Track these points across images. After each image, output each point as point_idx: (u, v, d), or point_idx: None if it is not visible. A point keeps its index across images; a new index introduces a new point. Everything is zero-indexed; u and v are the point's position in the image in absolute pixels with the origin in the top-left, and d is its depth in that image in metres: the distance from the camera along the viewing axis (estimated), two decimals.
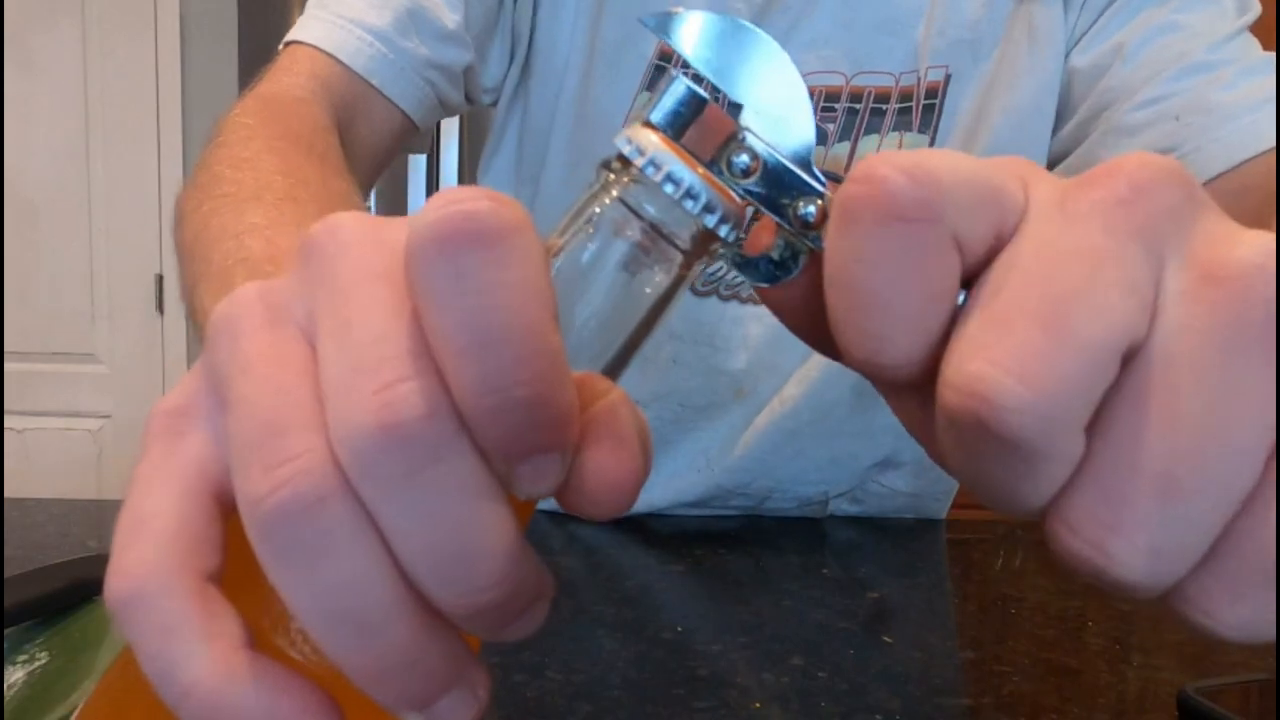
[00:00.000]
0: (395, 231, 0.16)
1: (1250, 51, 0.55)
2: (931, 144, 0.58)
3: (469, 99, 0.61)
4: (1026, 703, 0.41)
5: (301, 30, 0.56)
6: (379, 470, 0.14)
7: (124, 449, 2.87)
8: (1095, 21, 0.57)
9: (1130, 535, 0.14)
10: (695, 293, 0.62)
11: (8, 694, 0.34)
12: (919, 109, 0.58)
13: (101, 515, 0.70)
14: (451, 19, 0.55)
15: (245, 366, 0.15)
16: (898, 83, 0.58)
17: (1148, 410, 0.14)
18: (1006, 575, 0.60)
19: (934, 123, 0.58)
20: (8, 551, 0.58)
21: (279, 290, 0.17)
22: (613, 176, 0.18)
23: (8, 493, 0.68)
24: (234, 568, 0.16)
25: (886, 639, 0.48)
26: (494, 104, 0.65)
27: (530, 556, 0.16)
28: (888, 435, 0.66)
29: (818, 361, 0.63)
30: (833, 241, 0.16)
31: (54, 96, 2.79)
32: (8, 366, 2.82)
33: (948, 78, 0.57)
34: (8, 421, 2.81)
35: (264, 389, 0.15)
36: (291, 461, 0.14)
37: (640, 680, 0.43)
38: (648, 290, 0.18)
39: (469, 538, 0.14)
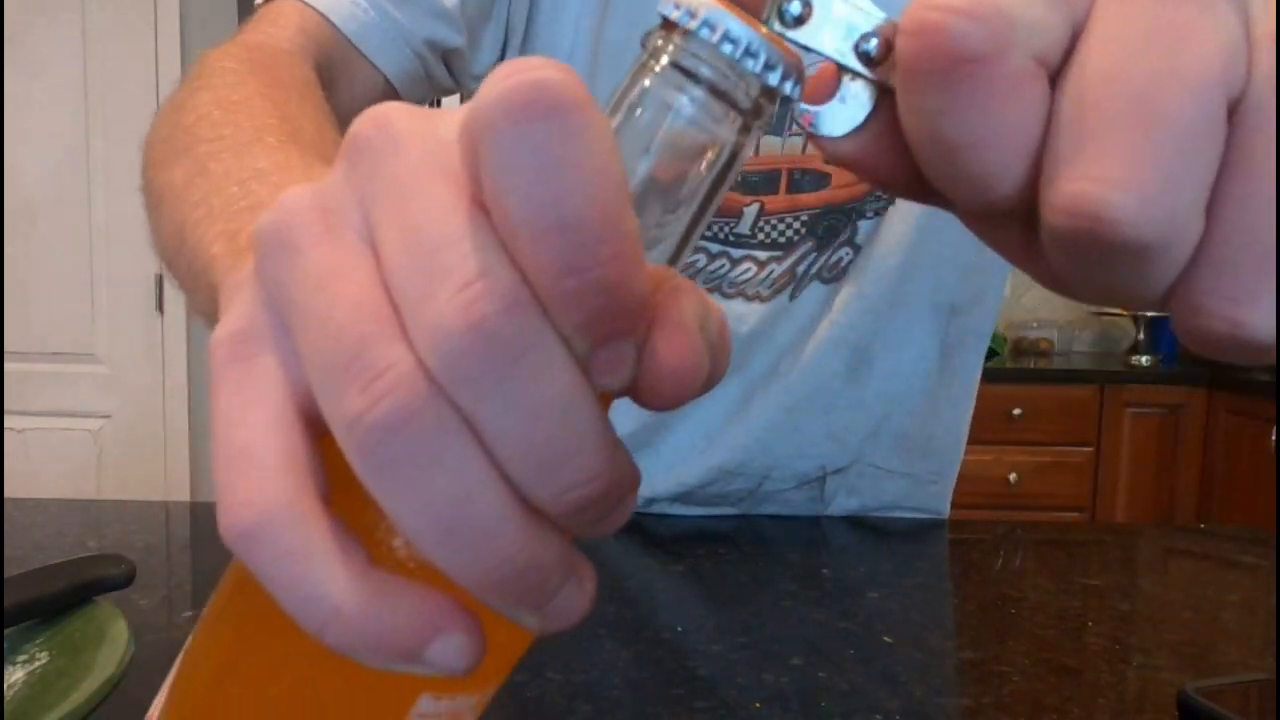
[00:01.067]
0: (448, 124, 0.15)
1: None
2: None
3: (458, 83, 0.60)
4: (1026, 703, 0.41)
5: None
6: (471, 371, 0.14)
7: (124, 449, 2.87)
8: None
9: (1259, 303, 0.14)
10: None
11: (8, 694, 0.34)
12: None
13: (101, 515, 0.70)
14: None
15: (312, 282, 0.15)
16: None
17: (1254, 171, 0.14)
18: (1006, 575, 0.60)
19: None
20: (8, 551, 0.58)
21: (331, 194, 0.16)
22: (662, 43, 0.16)
23: (8, 493, 0.68)
24: (333, 491, 0.15)
25: (886, 639, 0.48)
26: None
27: (621, 447, 0.15)
28: (878, 403, 0.66)
29: (813, 336, 0.63)
30: (905, 100, 0.16)
31: (54, 96, 2.79)
32: (8, 366, 2.82)
33: None
34: (8, 421, 2.81)
35: (337, 304, 0.14)
36: (383, 376, 0.14)
37: (640, 680, 0.43)
38: (709, 159, 0.17)
39: (568, 431, 0.14)
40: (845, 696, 0.41)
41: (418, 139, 0.15)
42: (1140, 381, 2.49)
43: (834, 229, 0.60)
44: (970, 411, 0.72)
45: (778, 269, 0.61)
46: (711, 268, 0.61)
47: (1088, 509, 2.50)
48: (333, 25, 0.52)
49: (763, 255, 0.61)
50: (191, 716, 0.18)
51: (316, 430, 0.15)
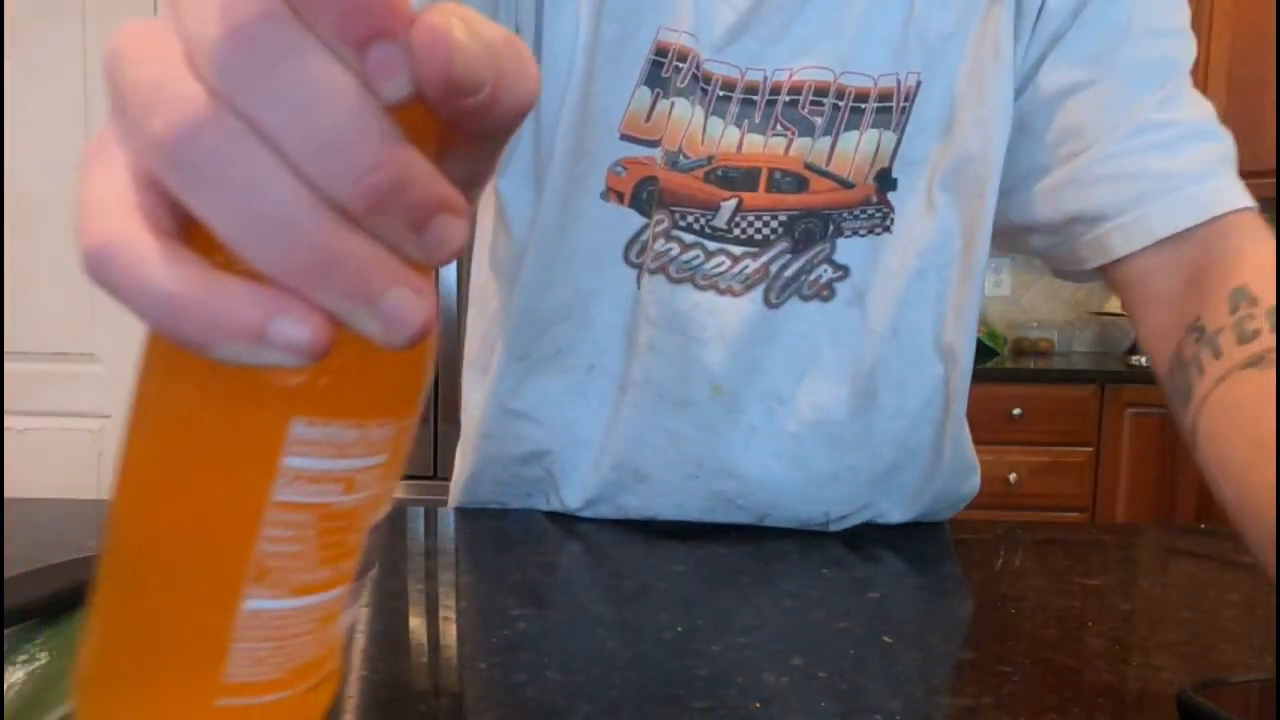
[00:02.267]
0: None
1: (1189, 107, 0.57)
2: (898, 143, 0.60)
3: None
4: (1026, 703, 0.41)
5: None
6: (240, 77, 0.15)
7: None
8: (1049, 51, 0.59)
9: None
10: (670, 279, 0.62)
11: (8, 694, 0.34)
12: (896, 110, 0.60)
13: (101, 515, 0.69)
14: None
15: (128, 64, 0.17)
16: (876, 84, 0.59)
17: None
18: (1006, 575, 0.60)
19: (903, 124, 0.60)
20: (8, 551, 0.58)
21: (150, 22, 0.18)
22: None
23: (8, 493, 0.68)
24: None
25: (886, 639, 0.48)
26: None
27: (422, 160, 0.17)
28: (888, 446, 0.65)
29: (812, 362, 0.63)
30: None
31: (54, 96, 2.79)
32: (8, 366, 2.82)
33: (918, 83, 0.59)
34: (8, 421, 2.81)
35: (144, 68, 0.17)
36: (176, 102, 0.16)
37: (640, 680, 0.43)
38: None
39: (340, 122, 0.16)
40: (845, 696, 0.41)
41: None
42: (1140, 381, 2.49)
43: (810, 234, 0.60)
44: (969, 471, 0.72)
45: (752, 265, 0.61)
46: (685, 257, 0.61)
47: (1088, 509, 2.50)
48: None
49: (737, 250, 0.61)
50: (119, 467, 0.20)
51: (157, 191, 0.17)
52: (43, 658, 0.36)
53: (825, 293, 0.62)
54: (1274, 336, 0.46)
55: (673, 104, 0.59)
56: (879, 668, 0.45)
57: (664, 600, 0.53)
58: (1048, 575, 0.60)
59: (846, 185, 0.60)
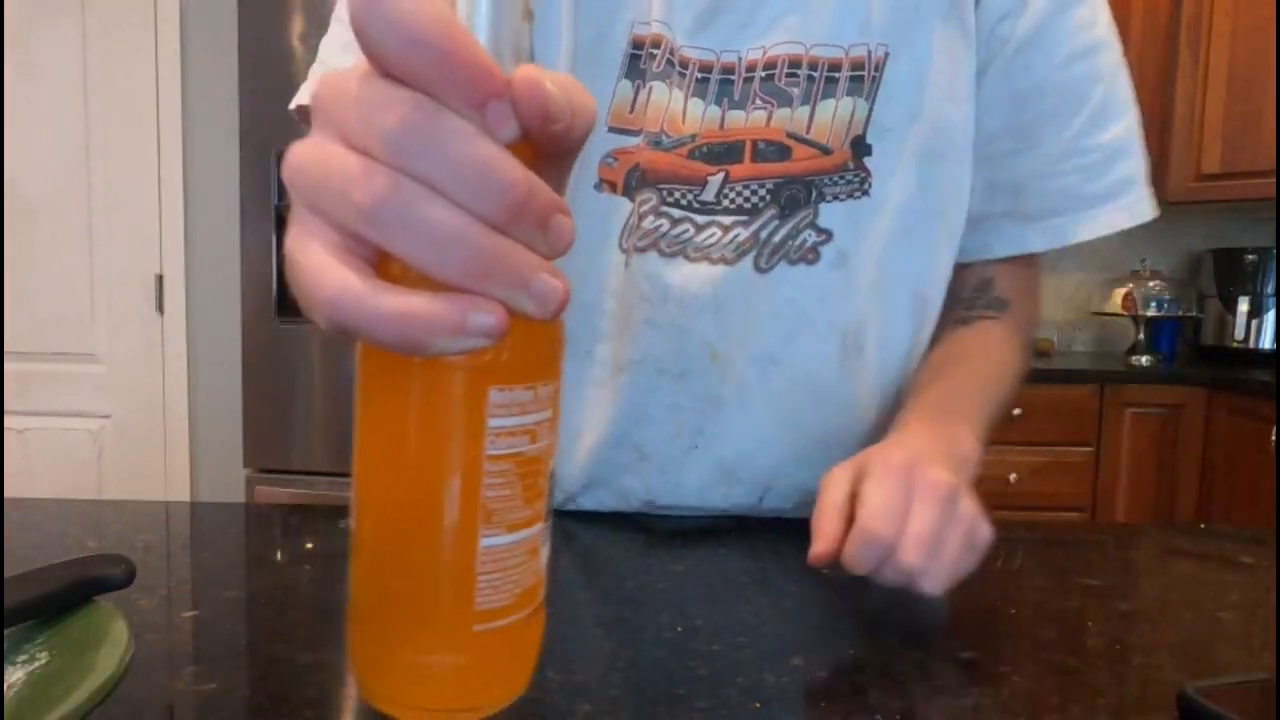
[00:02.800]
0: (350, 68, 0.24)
1: (1116, 123, 0.66)
2: (870, 111, 0.63)
3: None
4: (1026, 703, 0.41)
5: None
6: (405, 148, 0.22)
7: (124, 449, 2.87)
8: (1000, 54, 0.65)
9: None
10: (662, 254, 0.64)
11: (8, 694, 0.34)
12: (868, 79, 0.63)
13: (101, 515, 0.70)
14: None
15: (311, 167, 0.23)
16: (847, 54, 0.62)
17: None
18: (1006, 575, 0.60)
19: (874, 92, 0.63)
20: (8, 551, 0.58)
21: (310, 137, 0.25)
22: None
23: (8, 493, 0.68)
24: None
25: (887, 639, 0.48)
26: None
27: (536, 178, 0.23)
28: (874, 406, 0.68)
29: (801, 323, 0.65)
30: None
31: (54, 96, 2.79)
32: (8, 366, 2.82)
33: (886, 54, 0.62)
34: (8, 421, 2.81)
35: (328, 165, 0.23)
36: (368, 179, 0.22)
37: (640, 680, 0.43)
38: None
39: (478, 161, 0.22)
40: (845, 696, 0.41)
41: (337, 74, 0.24)
42: (1140, 381, 2.49)
43: (795, 200, 0.63)
44: None
45: (743, 233, 0.63)
46: (675, 232, 0.63)
47: (1088, 509, 2.50)
48: None
49: (727, 220, 0.63)
50: (357, 460, 0.27)
51: (351, 249, 0.23)
52: (43, 658, 0.36)
53: (810, 256, 0.64)
54: (989, 313, 0.70)
55: (650, 88, 0.62)
56: (879, 668, 0.45)
57: (664, 600, 0.53)
58: (1048, 575, 0.60)
59: (826, 151, 0.63)
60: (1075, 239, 0.66)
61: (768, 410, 0.66)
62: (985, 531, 0.51)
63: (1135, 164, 0.66)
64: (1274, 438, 2.22)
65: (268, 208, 2.30)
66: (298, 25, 2.26)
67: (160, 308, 2.85)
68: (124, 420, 2.87)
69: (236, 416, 2.65)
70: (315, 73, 0.64)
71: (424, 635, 0.26)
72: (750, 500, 0.68)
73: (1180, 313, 2.82)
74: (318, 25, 2.23)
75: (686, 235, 0.63)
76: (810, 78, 0.62)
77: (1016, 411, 2.42)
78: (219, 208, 2.80)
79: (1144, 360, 2.71)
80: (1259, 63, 2.53)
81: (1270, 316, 2.73)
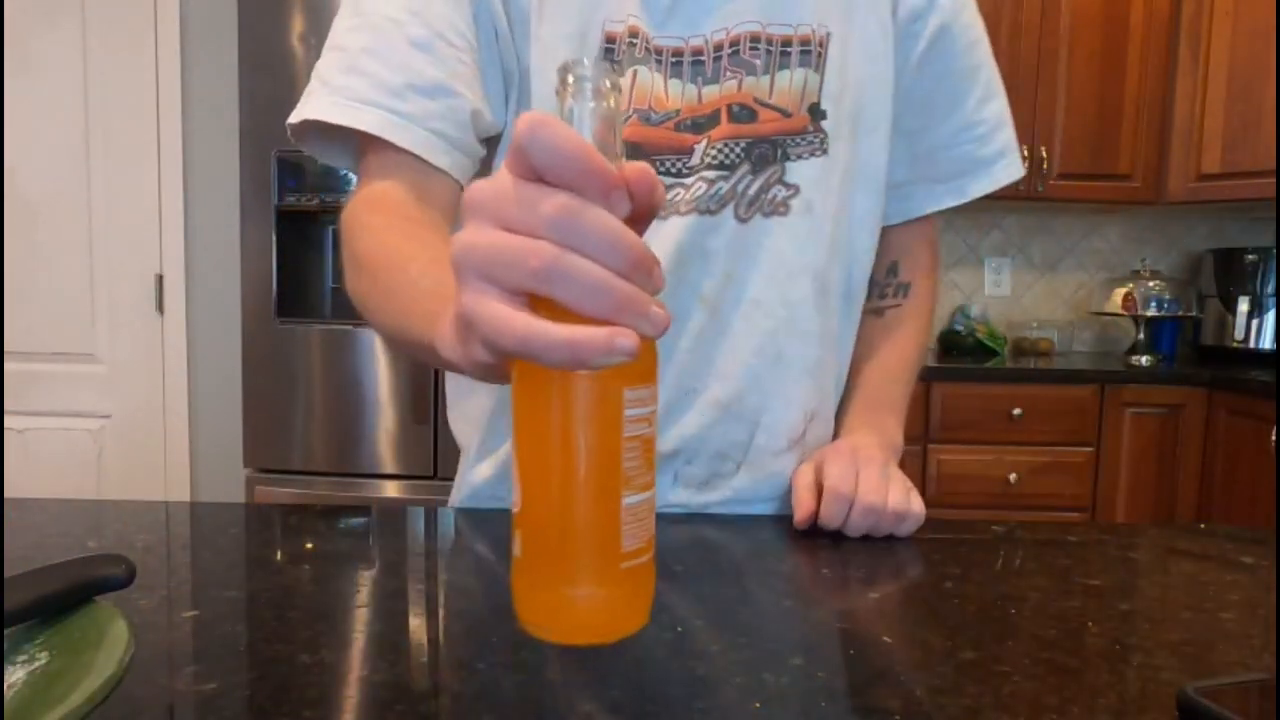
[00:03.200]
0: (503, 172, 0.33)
1: (996, 100, 0.82)
2: (821, 82, 0.73)
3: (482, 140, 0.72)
4: (1026, 703, 0.41)
5: (334, 112, 0.65)
6: (562, 228, 0.31)
7: (124, 449, 2.87)
8: (914, 49, 0.78)
9: None
10: (657, 217, 0.70)
11: (8, 694, 0.34)
12: (814, 54, 0.73)
13: (101, 515, 0.70)
14: (436, 75, 0.66)
15: (482, 245, 0.32)
16: (796, 32, 0.72)
17: None
18: (1006, 575, 0.60)
19: (822, 66, 0.73)
20: (8, 551, 0.58)
21: (468, 231, 0.34)
22: (572, 79, 0.34)
23: (8, 493, 0.68)
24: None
25: (886, 639, 0.48)
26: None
27: (642, 240, 0.32)
28: (843, 341, 0.81)
29: (778, 267, 0.73)
30: None
31: (54, 97, 2.79)
32: (8, 366, 2.82)
33: (828, 34, 0.73)
34: (8, 421, 2.81)
35: (495, 244, 0.32)
36: (537, 251, 0.31)
37: (640, 680, 0.43)
38: (603, 108, 0.34)
39: (612, 234, 0.31)
40: (845, 696, 0.41)
41: (486, 184, 0.33)
42: (1140, 381, 2.49)
43: (764, 157, 0.73)
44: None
45: (724, 186, 0.72)
46: (668, 197, 0.72)
47: (1088, 509, 2.50)
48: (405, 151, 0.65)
49: (711, 175, 0.72)
50: (517, 454, 0.35)
51: (520, 300, 0.32)
52: (43, 658, 0.36)
53: (782, 209, 0.73)
54: (896, 300, 0.87)
55: (635, 71, 0.70)
56: (879, 668, 0.45)
57: (664, 600, 0.53)
58: (1048, 575, 0.60)
59: (786, 114, 0.73)
60: (975, 195, 0.83)
61: (755, 350, 0.73)
62: (915, 493, 0.68)
63: (1010, 132, 0.83)
64: (1274, 438, 2.22)
65: (268, 208, 2.30)
66: (298, 25, 2.26)
67: (160, 308, 2.85)
68: (124, 420, 2.87)
69: (236, 416, 2.65)
70: (314, 90, 0.66)
71: (585, 574, 0.35)
72: (744, 437, 0.75)
73: (1180, 313, 2.82)
74: (318, 25, 2.23)
75: (677, 197, 0.71)
76: (769, 51, 0.72)
77: (1016, 411, 2.42)
78: (219, 208, 2.80)
79: (1144, 360, 2.71)
80: (1259, 63, 2.53)
81: (1270, 316, 2.73)
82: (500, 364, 0.37)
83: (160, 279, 2.83)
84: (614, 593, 0.36)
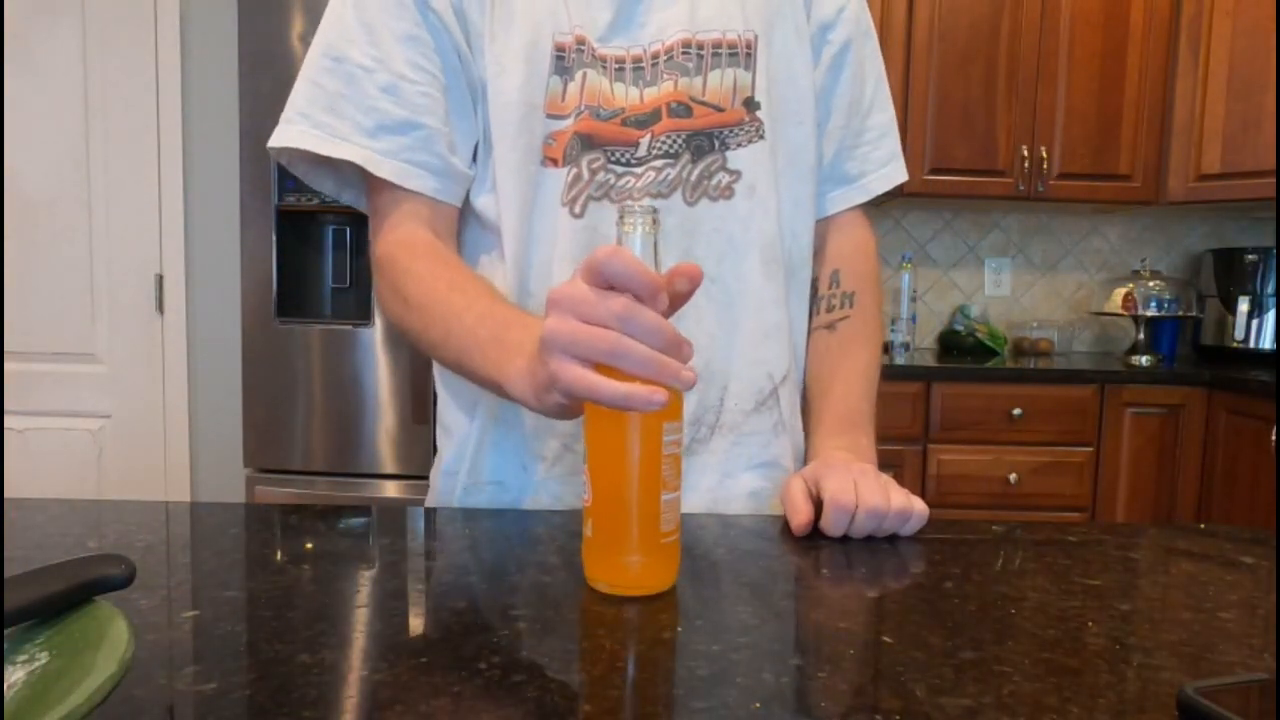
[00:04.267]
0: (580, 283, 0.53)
1: (885, 111, 0.94)
2: (753, 78, 0.81)
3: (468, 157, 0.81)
4: (1026, 703, 0.41)
5: (325, 146, 0.77)
6: (627, 321, 0.51)
7: (124, 449, 2.87)
8: (825, 56, 0.89)
9: None
10: (613, 201, 0.78)
11: (8, 694, 0.34)
12: (743, 55, 0.81)
13: (101, 515, 0.70)
14: (400, 112, 0.76)
15: (568, 332, 0.53)
16: (724, 36, 0.81)
17: None
18: (1006, 575, 0.60)
19: (752, 65, 0.82)
20: (8, 551, 0.58)
21: (552, 320, 0.54)
22: (629, 219, 0.54)
23: (8, 493, 0.68)
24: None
25: (886, 639, 0.48)
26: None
27: (674, 326, 0.52)
28: (797, 304, 0.88)
29: (728, 247, 0.80)
30: None
31: (54, 96, 2.79)
32: (8, 366, 2.82)
33: (755, 37, 0.82)
34: (8, 421, 2.81)
35: (581, 337, 0.52)
36: (605, 337, 0.51)
37: (640, 680, 0.43)
38: (652, 234, 0.54)
39: (654, 325, 0.51)
40: (845, 696, 0.41)
41: (566, 288, 0.54)
42: (1140, 381, 2.49)
43: (702, 148, 0.80)
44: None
45: (671, 172, 0.79)
46: (620, 184, 0.78)
47: (1088, 509, 2.50)
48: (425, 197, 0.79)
49: (659, 164, 0.79)
50: (588, 466, 0.55)
51: (594, 369, 0.52)
52: (43, 658, 0.36)
53: (727, 193, 0.81)
54: (844, 312, 0.91)
55: (585, 74, 0.78)
56: (879, 668, 0.45)
57: (664, 600, 0.53)
58: (1048, 575, 0.60)
59: (719, 110, 0.81)
60: (875, 193, 0.92)
61: (715, 321, 0.81)
62: (915, 497, 0.71)
63: (896, 136, 0.94)
64: (1274, 438, 2.22)
65: (268, 208, 2.30)
66: (298, 25, 2.26)
67: (160, 308, 2.85)
68: (124, 420, 2.87)
69: (236, 416, 2.65)
70: (290, 118, 0.78)
71: (637, 547, 0.54)
72: (715, 401, 0.82)
73: (1180, 313, 2.82)
74: (317, 25, 2.23)
75: (628, 184, 0.79)
76: (699, 55, 0.80)
77: (1016, 411, 2.43)
78: (219, 208, 2.80)
79: (1144, 360, 2.71)
80: (1259, 63, 2.53)
81: (1270, 316, 2.73)
82: (572, 406, 0.57)
83: (160, 279, 2.83)
84: (656, 559, 0.54)
